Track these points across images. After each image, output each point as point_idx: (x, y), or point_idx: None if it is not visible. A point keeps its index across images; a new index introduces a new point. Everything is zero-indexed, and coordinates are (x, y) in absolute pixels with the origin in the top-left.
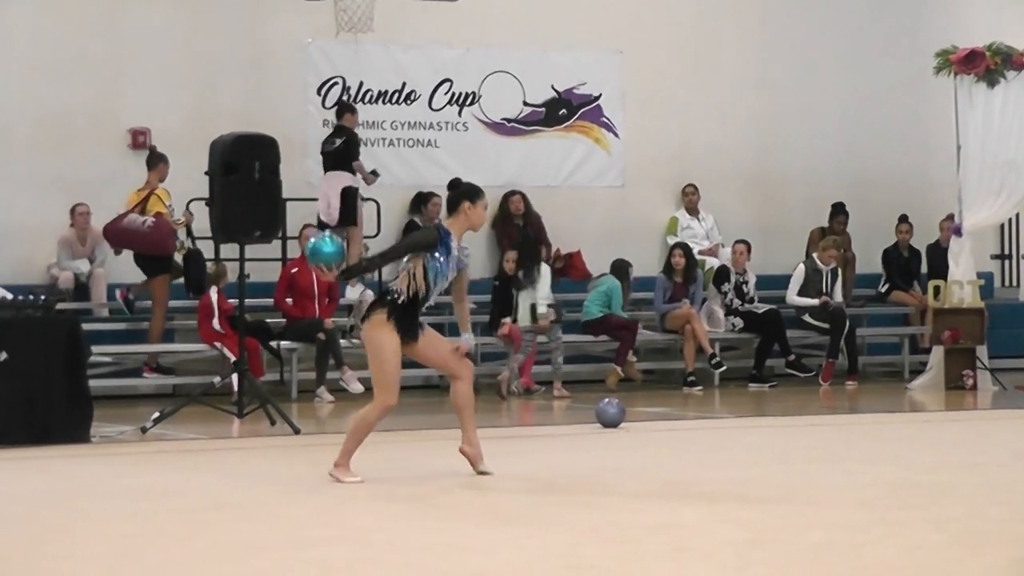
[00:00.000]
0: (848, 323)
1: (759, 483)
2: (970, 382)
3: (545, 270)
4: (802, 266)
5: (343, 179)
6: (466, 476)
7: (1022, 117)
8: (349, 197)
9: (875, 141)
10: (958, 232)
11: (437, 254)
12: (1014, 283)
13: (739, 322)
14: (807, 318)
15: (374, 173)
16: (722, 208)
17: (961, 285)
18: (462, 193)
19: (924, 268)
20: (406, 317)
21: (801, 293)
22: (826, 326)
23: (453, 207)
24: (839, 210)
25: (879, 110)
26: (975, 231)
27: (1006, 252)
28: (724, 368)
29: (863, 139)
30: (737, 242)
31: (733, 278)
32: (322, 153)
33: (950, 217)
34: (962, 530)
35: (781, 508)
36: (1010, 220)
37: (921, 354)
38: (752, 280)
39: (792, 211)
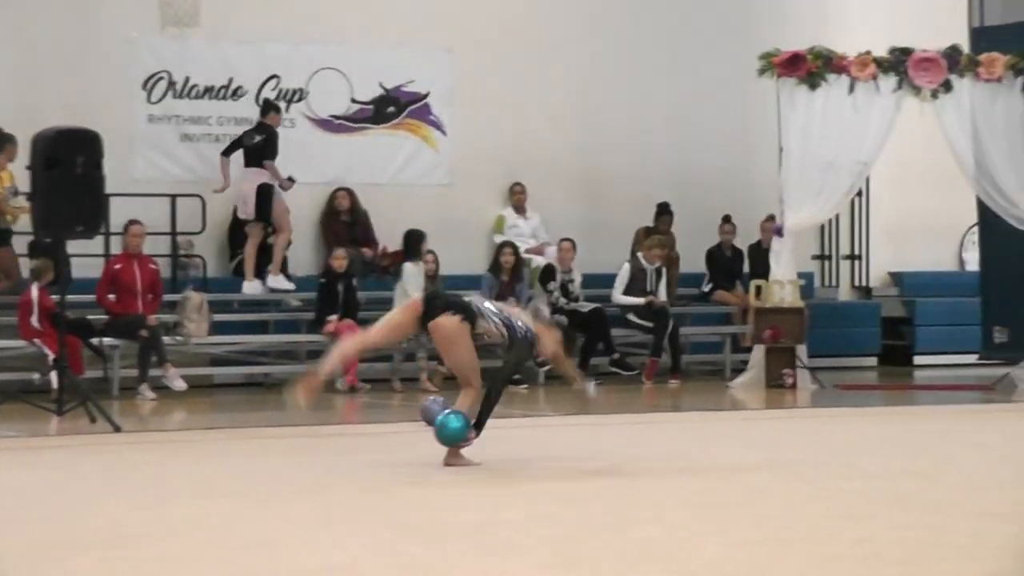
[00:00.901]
0: (672, 322)
1: (580, 481)
2: (790, 381)
3: (413, 268)
4: (627, 265)
5: (259, 175)
6: (293, 475)
7: (842, 119)
8: (264, 194)
9: (700, 142)
10: (779, 232)
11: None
12: (833, 283)
13: (564, 320)
14: (631, 317)
15: (290, 179)
16: (549, 207)
17: (782, 285)
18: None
19: (746, 268)
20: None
21: (626, 292)
22: (650, 325)
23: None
24: (664, 210)
25: (704, 111)
26: (796, 231)
27: (826, 253)
28: (548, 366)
29: (688, 139)
30: (563, 240)
31: (559, 276)
32: (241, 147)
33: (771, 218)
34: (779, 527)
35: (601, 506)
36: (830, 221)
37: (743, 353)
38: (578, 279)
39: (618, 210)
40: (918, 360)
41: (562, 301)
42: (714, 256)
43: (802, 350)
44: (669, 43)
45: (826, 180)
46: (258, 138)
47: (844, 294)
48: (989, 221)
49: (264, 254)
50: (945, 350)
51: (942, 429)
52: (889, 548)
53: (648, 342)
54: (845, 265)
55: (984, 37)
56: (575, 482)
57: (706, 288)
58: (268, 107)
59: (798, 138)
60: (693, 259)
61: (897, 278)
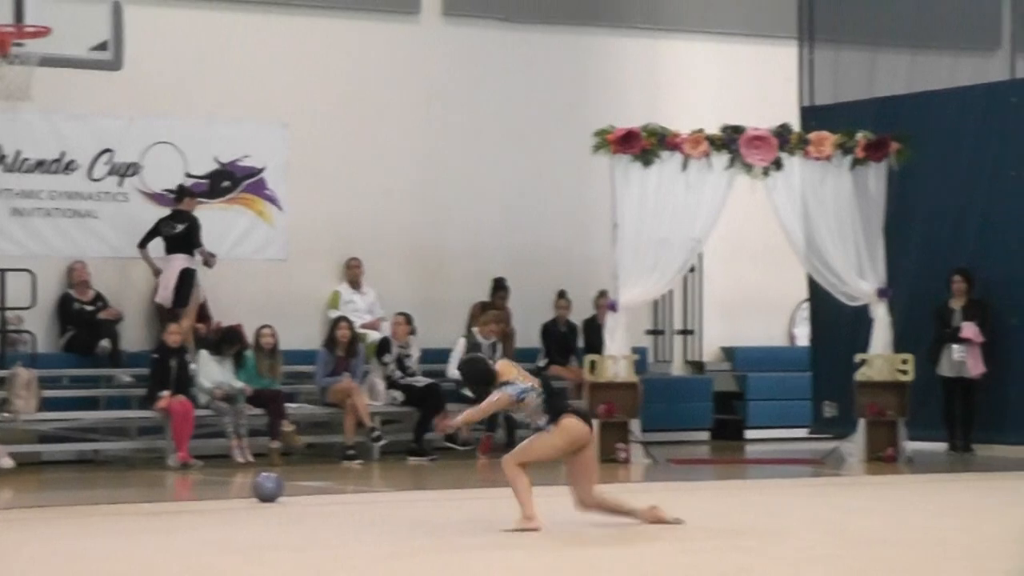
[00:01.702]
0: None
1: (414, 558)
2: (623, 456)
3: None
4: (463, 340)
5: (182, 261)
6: (115, 553)
7: (676, 196)
8: (187, 279)
9: (536, 217)
10: (614, 308)
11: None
12: (667, 358)
13: (400, 395)
14: (467, 392)
15: (211, 255)
16: (385, 282)
17: (616, 360)
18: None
19: (581, 343)
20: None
21: None
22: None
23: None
24: (500, 285)
25: (541, 187)
26: (630, 307)
27: (659, 328)
28: (384, 442)
29: (525, 215)
30: (398, 314)
31: (395, 351)
32: (162, 236)
33: (605, 293)
34: None
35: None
36: (663, 296)
37: None
38: (415, 353)
39: (454, 285)
40: (750, 434)
41: (397, 375)
42: (549, 331)
43: (636, 425)
44: (505, 119)
45: (660, 256)
46: (179, 227)
47: (677, 369)
48: (819, 297)
49: (93, 329)
50: (776, 424)
51: (773, 502)
52: None
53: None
54: (678, 340)
55: (814, 116)
56: (405, 561)
57: (541, 363)
58: (183, 193)
59: (632, 214)
60: (528, 334)
61: (729, 353)
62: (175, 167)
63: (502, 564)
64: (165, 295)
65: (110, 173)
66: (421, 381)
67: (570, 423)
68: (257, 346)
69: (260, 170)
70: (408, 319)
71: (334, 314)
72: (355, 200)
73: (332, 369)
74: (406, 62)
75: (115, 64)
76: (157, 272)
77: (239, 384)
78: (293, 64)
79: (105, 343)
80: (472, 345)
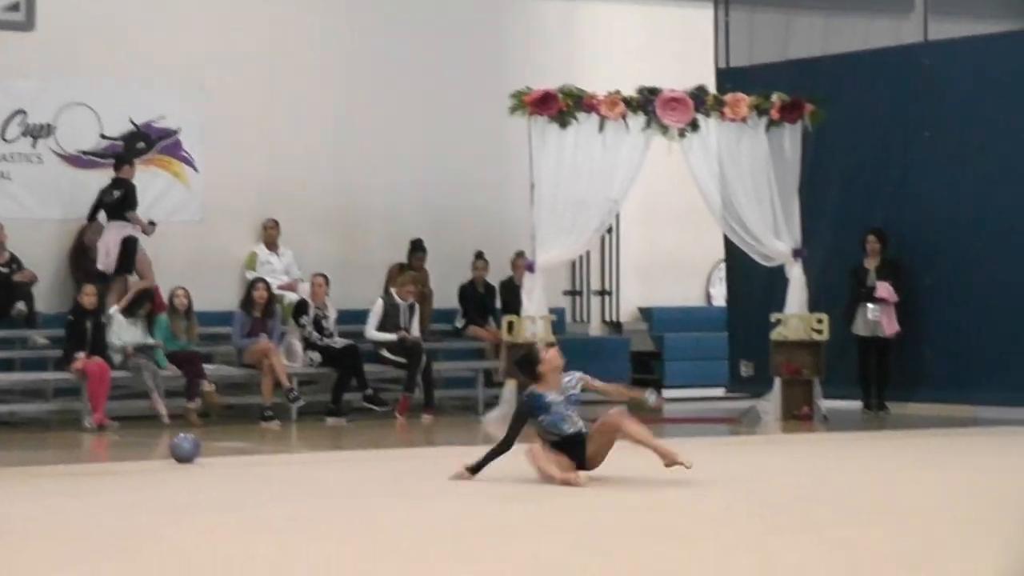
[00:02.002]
0: (424, 357)
1: (331, 517)
2: None
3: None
4: (380, 301)
5: (124, 229)
6: (31, 516)
7: (593, 158)
8: (129, 246)
9: (454, 179)
10: (531, 269)
11: (541, 417)
12: (584, 319)
13: (317, 356)
14: (384, 352)
15: (151, 223)
16: (302, 243)
17: (533, 320)
18: (530, 365)
19: (499, 303)
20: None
21: (379, 328)
22: (403, 360)
23: (532, 377)
24: (417, 246)
25: (458, 148)
26: (547, 268)
27: (577, 288)
28: (302, 403)
29: (442, 177)
30: (316, 275)
31: (312, 312)
32: (102, 204)
33: (523, 254)
34: (528, 560)
35: (352, 544)
36: (581, 257)
37: (495, 388)
38: (332, 315)
39: (372, 247)
40: (667, 393)
41: (315, 337)
42: (467, 292)
43: None
44: (423, 80)
45: (577, 217)
46: (117, 193)
47: (595, 329)
48: (735, 258)
49: (8, 292)
50: (693, 383)
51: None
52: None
53: (401, 377)
54: (596, 301)
55: (730, 78)
56: (322, 520)
57: (459, 324)
58: (121, 161)
59: (549, 176)
60: (446, 295)
61: (646, 313)
62: (89, 129)
63: (417, 519)
64: (108, 262)
65: (23, 134)
66: (339, 342)
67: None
68: (171, 308)
69: (176, 131)
70: (326, 280)
71: (251, 275)
72: (272, 162)
73: (249, 330)
74: (323, 24)
75: (27, 24)
76: (91, 240)
77: (151, 341)
78: (209, 25)
79: (21, 305)
80: (390, 306)
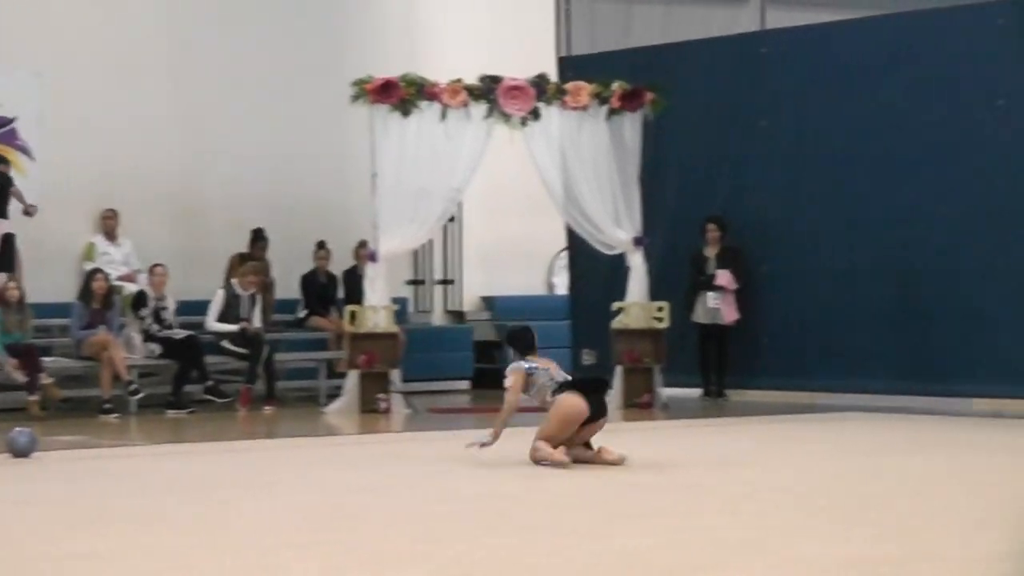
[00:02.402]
0: (266, 348)
1: (174, 511)
2: (384, 406)
3: None
4: (221, 291)
5: (2, 226)
6: None
7: (435, 146)
8: (9, 243)
9: (296, 168)
10: (373, 258)
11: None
12: (428, 308)
13: (157, 348)
14: (226, 344)
15: (32, 206)
16: (142, 233)
17: (376, 310)
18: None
19: (341, 293)
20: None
21: (221, 319)
22: (244, 351)
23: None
24: (259, 236)
25: (301, 137)
26: (390, 257)
27: (420, 278)
28: (141, 395)
29: (284, 166)
30: (155, 266)
31: (152, 303)
32: None
33: (365, 243)
34: (372, 552)
35: (196, 536)
36: (423, 246)
37: (338, 378)
38: (172, 306)
39: (213, 237)
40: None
41: (155, 328)
42: (309, 282)
43: (396, 375)
44: (264, 68)
45: (419, 206)
46: None
47: (438, 319)
48: (577, 247)
49: None
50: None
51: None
52: (477, 569)
53: (243, 369)
54: (438, 290)
55: (571, 66)
56: (165, 514)
57: (301, 314)
58: None
59: (392, 164)
60: (288, 285)
61: (489, 302)
62: None
63: (260, 511)
64: None
65: None
66: (179, 333)
67: (562, 399)
68: (3, 301)
69: (11, 120)
70: (165, 271)
71: (89, 266)
72: (111, 151)
73: (87, 322)
74: (163, 10)
75: None
76: None
77: None
78: (46, 11)
79: None
80: (231, 297)
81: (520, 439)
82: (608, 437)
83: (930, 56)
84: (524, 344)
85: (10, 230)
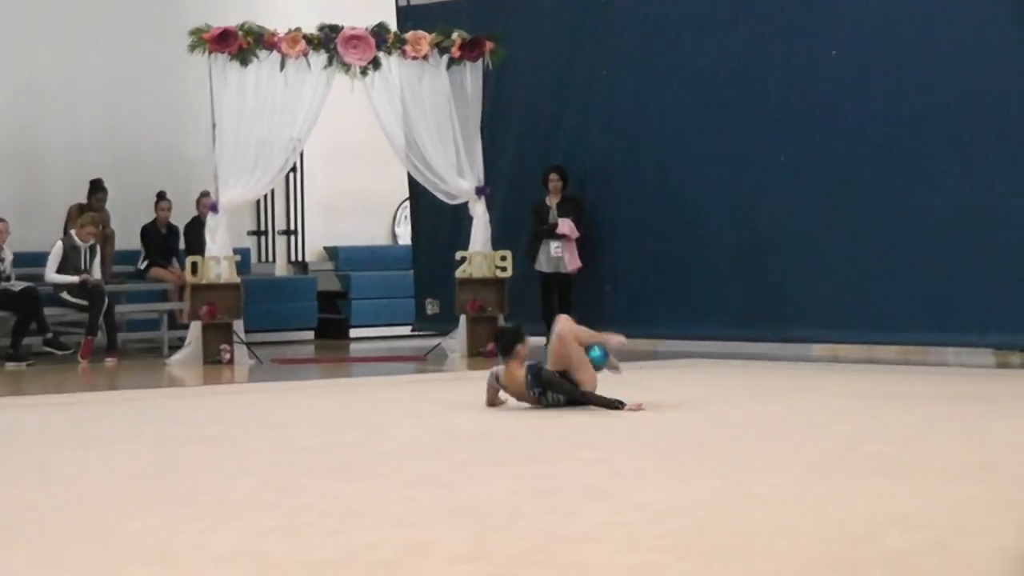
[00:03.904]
0: (107, 300)
1: (9, 464)
2: (227, 356)
3: None
4: (60, 243)
5: None
6: None
7: (275, 96)
8: None
9: (136, 118)
10: (215, 209)
11: None
12: (270, 259)
13: None
14: (65, 295)
15: None
16: None
17: (218, 261)
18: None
19: (182, 244)
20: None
21: (60, 270)
22: (85, 303)
23: (506, 353)
24: (97, 186)
25: (139, 86)
26: (231, 207)
27: (262, 228)
28: None
29: (124, 116)
30: None
31: None
32: None
33: (206, 194)
34: (213, 502)
35: (31, 489)
36: (265, 197)
37: (180, 330)
38: (9, 257)
39: (52, 187)
40: (354, 333)
41: None
42: (149, 233)
43: (239, 325)
44: (102, 15)
45: (260, 156)
46: None
47: (281, 269)
48: (420, 196)
49: None
50: (380, 323)
51: (376, 400)
52: (322, 519)
53: (83, 321)
54: (281, 240)
55: (410, 15)
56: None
57: (142, 265)
58: None
59: (231, 114)
60: (128, 236)
61: (332, 252)
62: None
63: (98, 464)
64: None
65: None
66: (17, 285)
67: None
68: None
69: None
70: (6, 226)
71: None
72: None
73: None
74: None
75: None
76: None
77: None
78: None
79: None
80: (70, 248)
81: (363, 388)
82: (452, 386)
83: (770, 3)
84: (501, 346)
85: None
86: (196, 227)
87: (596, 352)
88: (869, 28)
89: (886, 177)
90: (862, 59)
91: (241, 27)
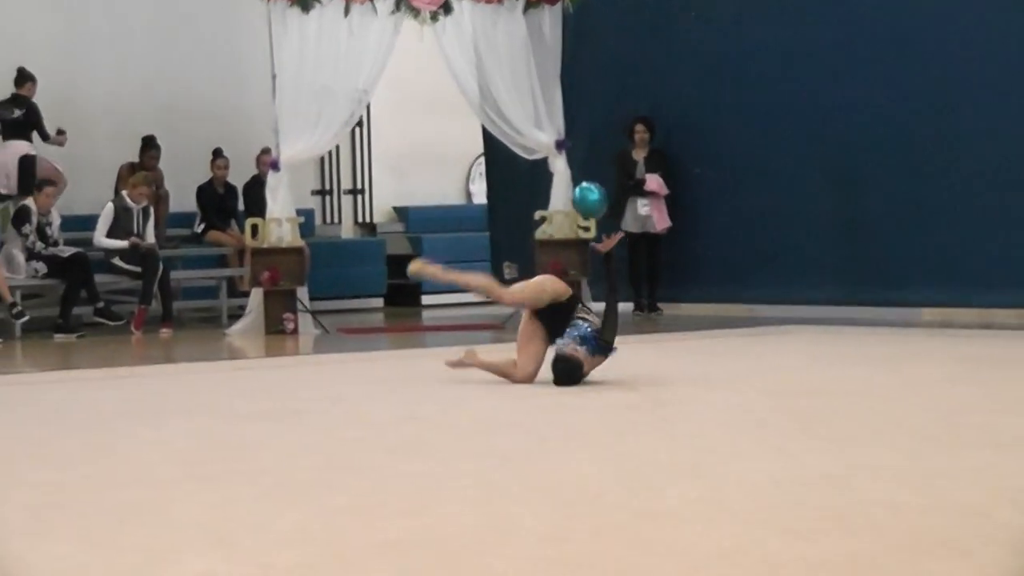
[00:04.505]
0: (161, 266)
1: (61, 442)
2: (291, 326)
3: None
4: (111, 205)
5: (20, 147)
6: None
7: (338, 44)
8: (27, 165)
9: (187, 69)
10: (276, 166)
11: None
12: (335, 220)
13: (42, 267)
14: (117, 261)
15: (60, 132)
16: None
17: (280, 223)
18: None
19: (241, 205)
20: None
21: (110, 234)
22: (138, 270)
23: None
24: (149, 144)
25: (191, 36)
26: (293, 165)
27: (326, 187)
28: (27, 318)
29: (174, 67)
30: (43, 183)
31: (35, 219)
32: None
33: (267, 150)
34: (278, 482)
35: (83, 468)
36: (330, 153)
37: (240, 297)
38: (56, 221)
39: (99, 145)
40: (426, 300)
41: (39, 245)
42: (206, 193)
43: (303, 293)
44: None
45: (323, 109)
46: (18, 112)
47: (347, 231)
48: (495, 151)
49: None
50: (454, 288)
51: (449, 372)
52: (393, 498)
53: (136, 288)
54: (347, 200)
55: None
56: (52, 445)
57: (198, 228)
58: (23, 78)
59: (292, 64)
60: (183, 197)
61: (402, 213)
62: None
63: (155, 441)
64: (9, 184)
65: None
66: (66, 251)
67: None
68: None
69: None
70: (54, 190)
71: None
72: None
73: None
74: None
75: None
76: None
77: None
78: None
79: None
80: (121, 210)
81: (437, 359)
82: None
83: None
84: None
85: (29, 152)
86: (256, 186)
87: (595, 195)
88: None
89: (1005, 125)
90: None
91: None
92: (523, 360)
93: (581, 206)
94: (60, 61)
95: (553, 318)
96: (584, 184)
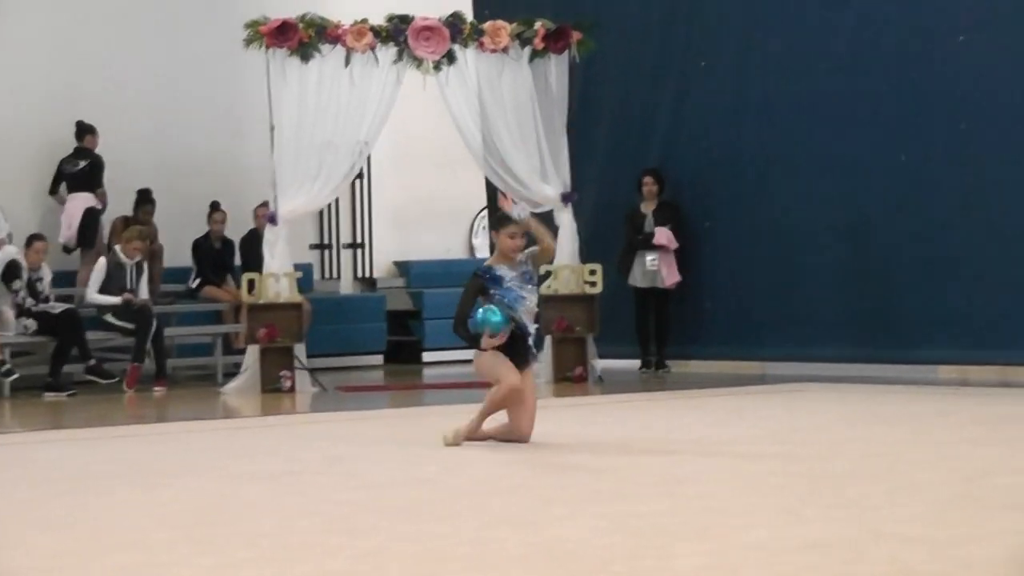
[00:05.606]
0: (155, 322)
1: (52, 504)
2: (288, 384)
3: None
4: (103, 260)
5: (86, 200)
6: None
7: (339, 95)
8: (90, 219)
9: (184, 122)
10: (273, 220)
11: (493, 291)
12: (334, 275)
13: (32, 324)
14: (110, 318)
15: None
16: (14, 196)
17: (277, 278)
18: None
19: (238, 260)
20: (514, 346)
21: (103, 290)
22: (131, 326)
23: (495, 225)
24: (145, 197)
25: (188, 87)
26: (292, 219)
27: (325, 241)
28: (16, 376)
29: (171, 119)
30: (34, 239)
31: (26, 275)
32: (65, 175)
33: (264, 204)
34: (273, 546)
35: (76, 531)
36: (329, 206)
37: (236, 355)
38: (47, 277)
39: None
40: (427, 357)
41: (29, 301)
42: (202, 247)
43: (301, 349)
44: (150, 14)
45: (323, 162)
46: (82, 163)
47: (346, 286)
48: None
49: None
50: (456, 345)
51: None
52: (393, 563)
53: (129, 346)
54: (347, 255)
55: (488, 4)
56: (40, 508)
57: (193, 284)
58: (84, 130)
59: (291, 116)
60: (178, 251)
61: (403, 268)
62: None
63: (149, 503)
64: (69, 235)
65: None
66: (56, 307)
67: None
68: None
69: None
70: (44, 246)
71: None
72: None
73: None
74: None
75: None
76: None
77: None
78: None
79: None
80: (114, 265)
81: (438, 418)
82: (538, 415)
83: None
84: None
85: (94, 205)
86: (253, 241)
87: (496, 316)
88: (1002, 6)
89: (1021, 179)
90: (993, 44)
91: (302, 19)
92: (503, 371)
93: (483, 327)
94: (56, 112)
95: (513, 346)
96: (488, 306)
